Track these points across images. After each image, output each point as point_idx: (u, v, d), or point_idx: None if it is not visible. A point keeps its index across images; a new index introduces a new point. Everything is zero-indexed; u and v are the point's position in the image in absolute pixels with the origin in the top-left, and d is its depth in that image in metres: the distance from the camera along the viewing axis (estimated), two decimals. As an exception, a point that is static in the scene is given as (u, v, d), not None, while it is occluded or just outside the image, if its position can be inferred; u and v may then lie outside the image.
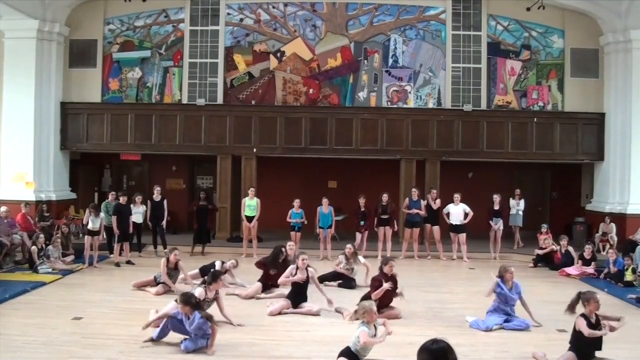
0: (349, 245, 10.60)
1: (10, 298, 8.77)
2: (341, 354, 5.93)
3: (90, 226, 11.74)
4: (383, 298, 8.03)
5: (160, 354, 6.47)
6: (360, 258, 10.44)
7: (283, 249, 9.97)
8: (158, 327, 6.88)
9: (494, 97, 15.93)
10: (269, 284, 9.59)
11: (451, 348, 3.20)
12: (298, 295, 8.53)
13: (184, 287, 9.14)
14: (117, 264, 12.00)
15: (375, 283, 8.10)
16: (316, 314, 8.30)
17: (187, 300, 6.66)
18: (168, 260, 9.42)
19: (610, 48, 15.18)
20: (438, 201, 13.72)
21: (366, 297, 7.89)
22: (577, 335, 6.31)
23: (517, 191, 15.19)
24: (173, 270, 9.49)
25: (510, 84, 15.94)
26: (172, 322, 6.73)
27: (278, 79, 16.08)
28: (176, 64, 16.10)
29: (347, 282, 10.22)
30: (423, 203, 13.63)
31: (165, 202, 13.41)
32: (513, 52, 15.96)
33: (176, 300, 7.16)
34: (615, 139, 15.15)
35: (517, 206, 14.92)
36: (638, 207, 14.55)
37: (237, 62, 16.10)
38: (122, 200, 12.50)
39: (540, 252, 12.85)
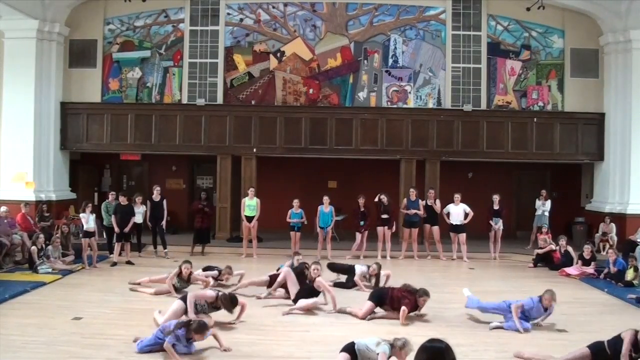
0: (373, 266, 10.00)
1: (10, 298, 8.75)
2: (344, 349, 5.92)
3: (85, 227, 11.73)
4: (395, 304, 8.09)
5: (160, 354, 6.46)
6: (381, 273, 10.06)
7: (306, 268, 9.35)
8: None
9: (494, 97, 15.94)
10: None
11: (449, 348, 3.19)
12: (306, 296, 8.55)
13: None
14: (114, 264, 11.99)
15: (408, 306, 7.97)
16: (313, 307, 8.33)
17: (203, 327, 6.50)
18: (180, 272, 9.24)
19: (610, 48, 15.19)
20: (438, 202, 13.69)
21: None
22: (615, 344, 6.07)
23: (543, 192, 15.15)
24: (184, 283, 9.31)
25: (510, 84, 15.94)
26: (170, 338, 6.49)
27: (278, 79, 16.08)
28: (176, 64, 16.10)
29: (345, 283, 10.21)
30: (422, 203, 13.63)
31: (165, 202, 13.39)
32: (513, 52, 15.96)
33: (182, 299, 7.42)
34: (615, 139, 15.15)
35: (543, 207, 14.87)
36: (638, 207, 14.56)
37: (237, 62, 16.10)
38: (122, 200, 12.53)
39: (540, 251, 12.84)
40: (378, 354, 5.66)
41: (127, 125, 15.73)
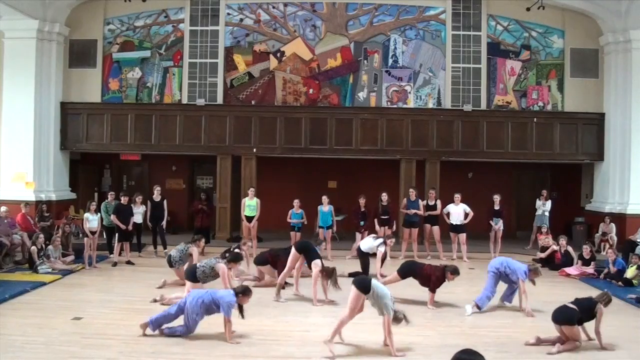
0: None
1: (10, 298, 8.77)
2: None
3: (87, 226, 11.74)
4: (425, 282, 8.88)
5: (160, 353, 6.47)
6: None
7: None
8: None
9: (494, 97, 15.94)
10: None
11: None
12: None
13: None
14: (114, 264, 12.00)
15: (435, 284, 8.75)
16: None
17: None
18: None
19: (610, 48, 15.19)
20: (439, 203, 13.68)
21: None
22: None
23: (544, 192, 15.17)
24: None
25: (510, 84, 15.94)
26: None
27: (278, 79, 16.08)
28: (176, 64, 16.10)
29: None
30: (422, 203, 13.63)
31: (165, 202, 13.40)
32: (513, 52, 15.96)
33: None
34: (615, 139, 15.15)
35: (543, 207, 14.86)
36: (638, 207, 14.56)
37: (237, 62, 16.10)
38: (124, 200, 12.55)
39: (542, 255, 12.78)
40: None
41: (127, 125, 15.73)
